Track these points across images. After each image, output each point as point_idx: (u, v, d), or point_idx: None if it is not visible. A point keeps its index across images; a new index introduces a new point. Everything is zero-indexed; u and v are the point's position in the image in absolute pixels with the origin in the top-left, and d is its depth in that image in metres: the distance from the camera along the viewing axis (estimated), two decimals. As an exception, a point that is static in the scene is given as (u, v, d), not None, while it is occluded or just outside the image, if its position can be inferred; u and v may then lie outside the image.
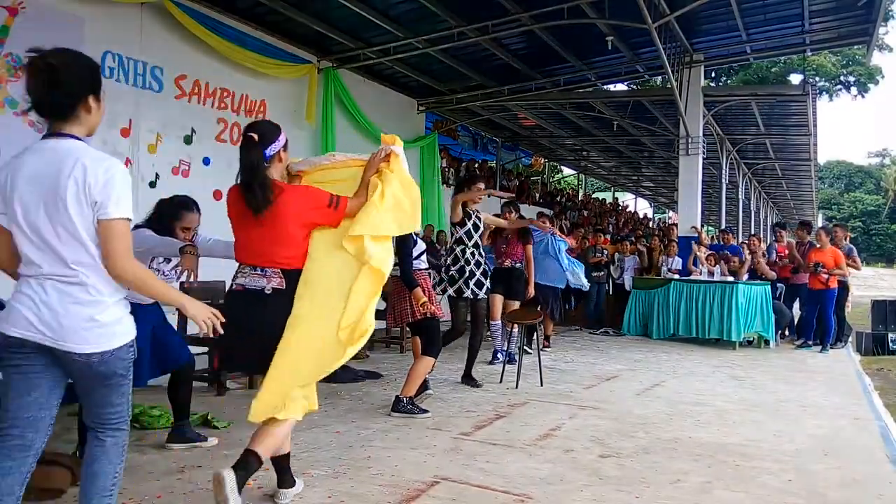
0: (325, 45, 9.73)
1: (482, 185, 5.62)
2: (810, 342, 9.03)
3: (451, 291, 5.43)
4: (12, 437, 2.05)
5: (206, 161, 8.15)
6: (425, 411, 4.66)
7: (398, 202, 2.90)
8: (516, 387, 5.73)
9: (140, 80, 7.40)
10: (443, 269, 5.66)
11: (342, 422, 4.38)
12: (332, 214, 2.80)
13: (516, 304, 6.82)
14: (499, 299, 6.83)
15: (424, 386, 4.91)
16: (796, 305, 10.18)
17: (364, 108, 10.69)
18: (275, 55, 8.99)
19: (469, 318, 5.62)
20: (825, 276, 8.62)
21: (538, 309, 6.73)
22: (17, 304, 2.03)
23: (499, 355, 6.87)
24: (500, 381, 5.97)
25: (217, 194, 8.40)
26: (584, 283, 8.47)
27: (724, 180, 14.46)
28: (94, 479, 2.14)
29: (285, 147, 2.87)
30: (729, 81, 25.64)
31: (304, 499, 3.02)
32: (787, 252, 9.26)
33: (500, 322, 6.94)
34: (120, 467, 2.20)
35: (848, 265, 8.87)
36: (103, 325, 2.05)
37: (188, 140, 7.98)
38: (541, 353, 6.63)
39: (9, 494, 2.04)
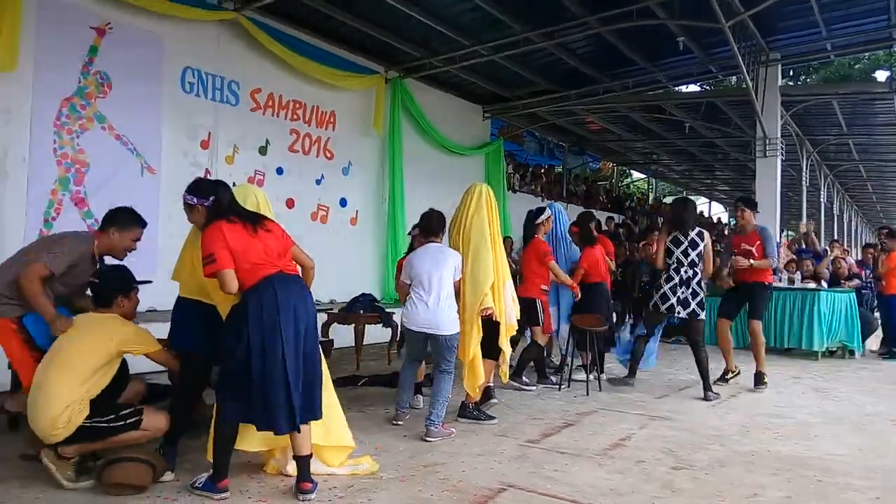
0: (392, 56, 9.90)
1: None
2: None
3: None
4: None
5: (280, 171, 8.43)
6: (492, 417, 4.65)
7: None
8: (586, 394, 5.66)
9: (218, 95, 7.72)
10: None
11: (409, 426, 4.42)
12: None
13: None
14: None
15: (488, 395, 4.89)
16: None
17: (430, 116, 10.81)
18: (344, 67, 9.21)
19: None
20: None
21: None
22: None
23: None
24: (568, 387, 5.90)
25: (289, 202, 8.67)
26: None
27: (804, 183, 13.87)
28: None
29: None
30: (808, 80, 24.56)
31: (372, 501, 3.07)
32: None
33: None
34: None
35: None
36: None
37: (263, 151, 8.27)
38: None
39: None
